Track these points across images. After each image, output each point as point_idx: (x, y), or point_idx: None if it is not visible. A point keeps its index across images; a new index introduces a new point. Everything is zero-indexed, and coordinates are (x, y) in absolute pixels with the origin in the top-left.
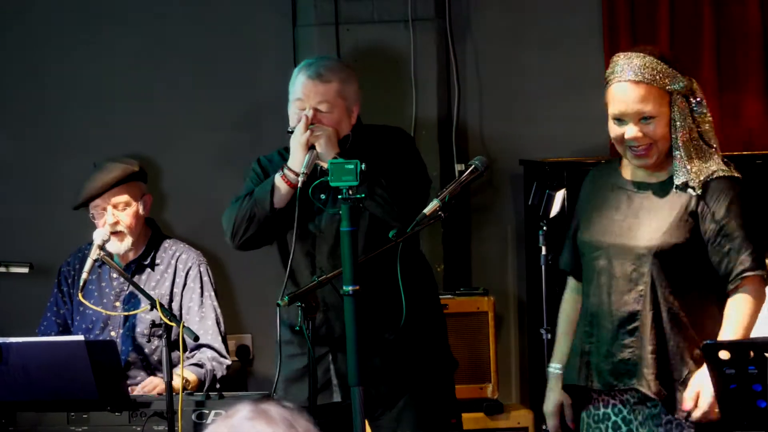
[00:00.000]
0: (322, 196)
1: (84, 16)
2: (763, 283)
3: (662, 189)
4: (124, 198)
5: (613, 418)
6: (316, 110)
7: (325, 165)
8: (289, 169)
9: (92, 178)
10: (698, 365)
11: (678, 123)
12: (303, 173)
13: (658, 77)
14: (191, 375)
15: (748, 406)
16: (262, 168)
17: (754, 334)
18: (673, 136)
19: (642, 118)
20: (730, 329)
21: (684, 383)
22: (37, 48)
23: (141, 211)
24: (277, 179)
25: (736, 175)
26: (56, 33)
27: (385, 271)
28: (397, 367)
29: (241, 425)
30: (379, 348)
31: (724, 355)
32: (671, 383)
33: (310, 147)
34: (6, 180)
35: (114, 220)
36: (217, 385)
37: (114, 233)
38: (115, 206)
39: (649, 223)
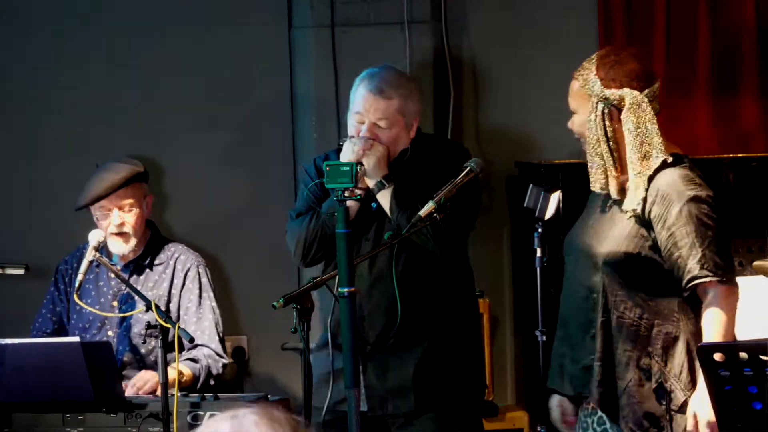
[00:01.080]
0: (373, 205)
1: (82, 17)
2: (721, 285)
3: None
4: (131, 199)
5: (599, 413)
6: (374, 125)
7: (371, 184)
8: None
9: (98, 179)
10: (645, 374)
11: (588, 128)
12: (349, 190)
13: (583, 77)
14: (185, 369)
15: (743, 408)
16: (317, 169)
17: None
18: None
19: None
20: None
21: (627, 392)
22: (34, 48)
23: (145, 212)
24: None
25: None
26: (54, 34)
27: (421, 281)
28: (427, 381)
29: (244, 416)
30: (411, 358)
31: (719, 357)
32: (615, 391)
33: (359, 162)
34: (2, 181)
35: (120, 221)
36: (212, 381)
37: (119, 234)
38: (121, 207)
39: (609, 231)
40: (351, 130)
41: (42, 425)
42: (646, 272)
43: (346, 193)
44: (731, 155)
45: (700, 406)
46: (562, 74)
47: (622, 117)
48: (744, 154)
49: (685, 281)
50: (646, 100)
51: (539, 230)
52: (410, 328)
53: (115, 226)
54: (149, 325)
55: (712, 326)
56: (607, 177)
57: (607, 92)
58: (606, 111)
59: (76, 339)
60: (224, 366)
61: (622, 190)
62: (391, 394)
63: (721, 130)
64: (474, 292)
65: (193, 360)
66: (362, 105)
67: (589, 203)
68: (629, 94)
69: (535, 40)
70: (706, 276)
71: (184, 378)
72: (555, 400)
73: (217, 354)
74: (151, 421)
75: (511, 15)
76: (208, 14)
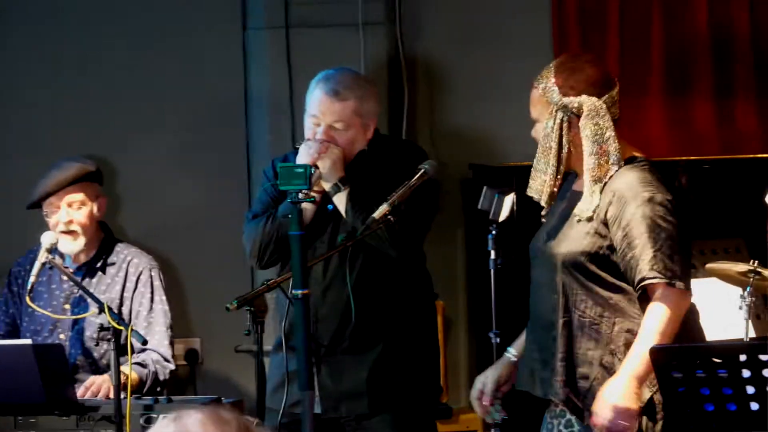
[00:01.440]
0: (329, 207)
1: (35, 18)
2: (670, 288)
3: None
4: (80, 196)
5: (567, 416)
6: (330, 127)
7: (327, 186)
8: None
9: (48, 176)
10: (609, 372)
11: (544, 135)
12: (304, 192)
13: (542, 85)
14: (132, 373)
15: (695, 410)
16: (275, 170)
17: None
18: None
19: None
20: (636, 344)
21: (591, 391)
22: None
23: (95, 212)
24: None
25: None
26: (7, 33)
27: (376, 284)
28: (381, 384)
29: (188, 417)
30: (365, 361)
31: (672, 359)
32: (580, 390)
33: (314, 165)
34: None
35: (68, 219)
36: (158, 388)
37: (67, 232)
38: (69, 204)
39: (566, 232)
40: (307, 132)
41: None
42: (605, 271)
43: (300, 195)
44: (684, 158)
45: (609, 389)
46: (516, 76)
47: (580, 124)
48: (697, 157)
49: (635, 281)
50: (604, 106)
51: (493, 232)
52: (365, 330)
53: (63, 224)
54: (102, 328)
55: (651, 323)
56: (544, 186)
57: (566, 100)
58: (565, 119)
59: (28, 341)
60: (171, 372)
61: (573, 194)
62: (345, 396)
63: (674, 133)
64: (432, 295)
65: (142, 365)
66: (318, 107)
67: (554, 205)
68: (587, 101)
69: (489, 42)
70: (655, 277)
71: (131, 382)
72: (479, 379)
73: (165, 359)
74: (104, 423)
75: (465, 17)
76: (161, 15)
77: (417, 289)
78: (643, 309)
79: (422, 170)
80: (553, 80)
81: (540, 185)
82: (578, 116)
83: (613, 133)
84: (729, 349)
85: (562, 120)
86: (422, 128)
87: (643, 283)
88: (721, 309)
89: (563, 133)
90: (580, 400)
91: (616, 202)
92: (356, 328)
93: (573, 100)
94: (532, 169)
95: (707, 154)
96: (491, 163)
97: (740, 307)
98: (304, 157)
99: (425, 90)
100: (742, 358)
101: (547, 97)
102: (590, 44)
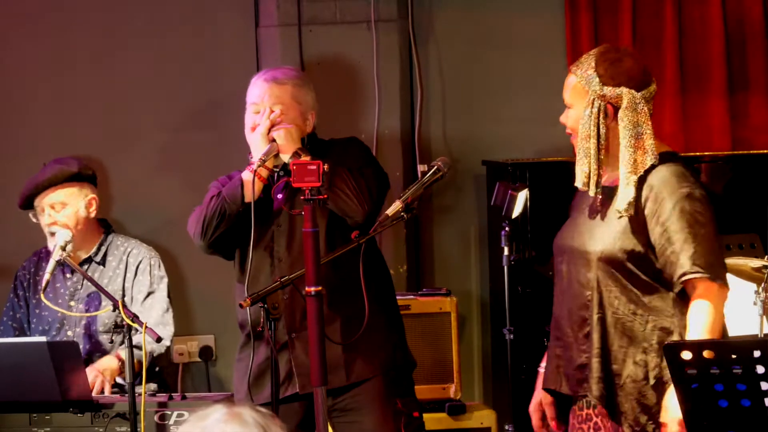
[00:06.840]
0: (279, 195)
1: (37, 13)
2: (711, 282)
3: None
4: (60, 198)
5: (594, 419)
6: (271, 111)
7: (286, 158)
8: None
9: (31, 179)
10: (641, 370)
11: (582, 123)
12: (261, 159)
13: (582, 73)
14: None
15: (709, 407)
16: (220, 183)
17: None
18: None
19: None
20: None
21: (624, 389)
22: None
23: (81, 211)
24: (246, 174)
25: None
26: (3, 33)
27: (347, 273)
28: (356, 355)
29: (213, 427)
30: (338, 334)
31: (686, 355)
32: (614, 387)
33: (272, 140)
34: None
35: (51, 221)
36: (156, 368)
37: (52, 234)
38: (52, 206)
39: (603, 228)
40: (247, 124)
41: (8, 426)
42: (640, 269)
43: (314, 192)
44: (699, 153)
45: (674, 402)
46: (528, 73)
47: (618, 116)
48: (711, 152)
49: (676, 277)
50: (642, 100)
51: (506, 229)
52: (336, 303)
53: (45, 226)
54: (116, 325)
55: (698, 320)
56: (589, 174)
57: (606, 90)
58: (602, 108)
59: (42, 338)
60: (165, 348)
61: (603, 189)
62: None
63: (687, 128)
64: (385, 266)
65: (137, 347)
66: (257, 94)
67: (576, 203)
68: (627, 93)
69: (502, 39)
70: (697, 272)
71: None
72: (533, 405)
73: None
74: (118, 420)
75: (477, 14)
76: (174, 14)
77: (374, 260)
78: (677, 307)
79: (435, 167)
80: (593, 68)
81: (583, 174)
82: (615, 107)
83: (650, 128)
84: (743, 346)
85: (599, 109)
86: (435, 124)
87: (684, 278)
88: (735, 305)
89: (600, 122)
90: (615, 398)
91: (654, 199)
92: (329, 302)
93: (613, 91)
94: (576, 162)
95: (721, 149)
96: (504, 159)
97: (755, 303)
98: (257, 137)
99: (438, 86)
100: (756, 354)
101: (585, 84)
102: (603, 42)
